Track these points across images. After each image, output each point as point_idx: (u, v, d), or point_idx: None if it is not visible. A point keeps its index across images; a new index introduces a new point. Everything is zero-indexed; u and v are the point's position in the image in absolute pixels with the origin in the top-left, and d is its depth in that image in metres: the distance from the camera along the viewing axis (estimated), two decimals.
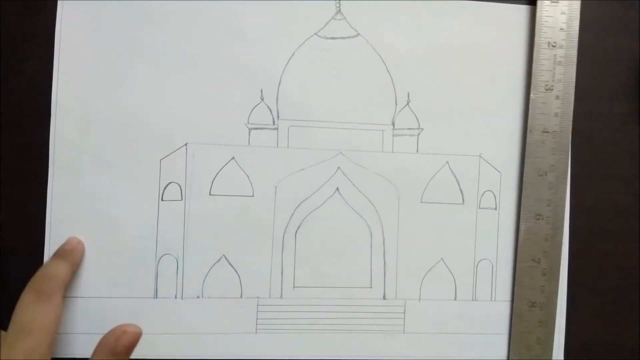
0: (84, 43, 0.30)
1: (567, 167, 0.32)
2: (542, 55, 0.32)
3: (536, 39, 0.32)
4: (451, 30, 0.32)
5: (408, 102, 0.32)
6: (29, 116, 0.30)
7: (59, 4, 0.30)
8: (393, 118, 0.32)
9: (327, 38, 0.32)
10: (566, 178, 0.32)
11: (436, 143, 0.32)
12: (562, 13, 0.32)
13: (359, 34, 0.32)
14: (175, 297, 0.30)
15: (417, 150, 0.32)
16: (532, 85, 0.32)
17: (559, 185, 0.32)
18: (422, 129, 0.32)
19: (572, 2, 0.32)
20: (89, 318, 0.30)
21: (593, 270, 0.33)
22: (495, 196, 0.32)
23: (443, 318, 0.32)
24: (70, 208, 0.30)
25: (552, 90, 0.32)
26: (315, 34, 0.31)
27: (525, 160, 0.32)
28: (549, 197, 0.32)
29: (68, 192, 0.30)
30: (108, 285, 0.30)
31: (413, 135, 0.32)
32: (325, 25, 0.31)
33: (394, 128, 0.32)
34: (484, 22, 0.32)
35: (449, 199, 0.32)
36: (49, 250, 0.30)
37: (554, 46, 0.32)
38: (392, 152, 0.32)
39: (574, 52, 0.32)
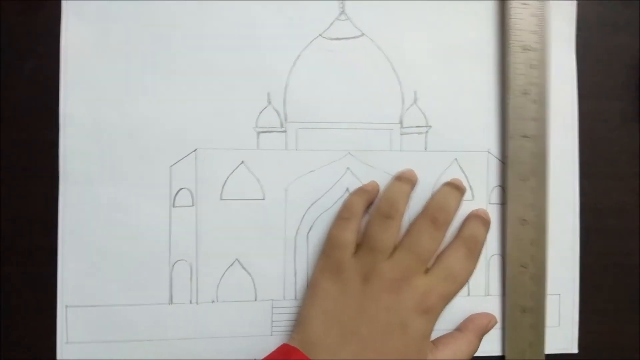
0: (91, 51, 0.30)
1: (546, 171, 0.32)
2: (516, 58, 0.31)
3: (508, 42, 0.31)
4: (456, 27, 0.32)
5: (415, 100, 0.32)
6: (35, 115, 0.30)
7: (63, 4, 0.30)
8: (401, 117, 0.32)
9: (331, 39, 0.32)
10: (546, 181, 0.32)
11: (444, 140, 0.32)
12: (533, 15, 0.31)
13: (363, 34, 0.32)
14: (190, 302, 0.30)
15: (425, 148, 0.32)
16: (508, 90, 0.31)
17: (540, 189, 0.31)
18: (430, 127, 0.32)
19: (543, 3, 0.31)
20: (105, 326, 0.30)
21: (593, 268, 0.33)
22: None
23: (456, 314, 0.32)
24: (82, 216, 0.30)
25: (528, 94, 0.31)
26: (320, 35, 0.31)
27: (508, 166, 0.32)
28: (532, 202, 0.31)
29: (79, 200, 0.30)
30: (123, 293, 0.30)
31: (421, 133, 0.32)
32: (329, 26, 0.32)
33: (401, 127, 0.32)
34: (489, 18, 0.32)
35: None
36: (63, 259, 0.30)
37: (528, 49, 0.31)
38: (401, 150, 0.32)
39: (547, 55, 0.31)
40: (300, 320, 0.29)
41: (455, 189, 0.31)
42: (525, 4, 0.31)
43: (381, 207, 0.30)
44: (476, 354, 0.31)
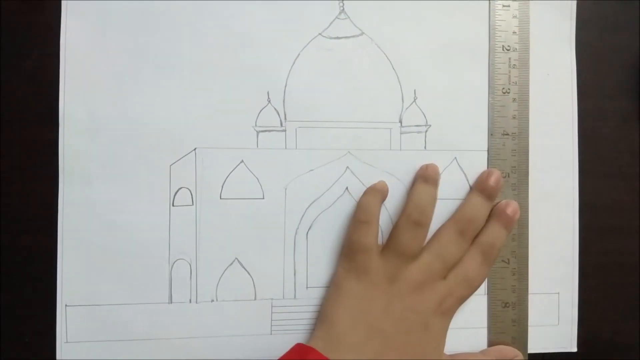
0: (90, 50, 0.30)
1: (528, 167, 0.32)
2: (498, 59, 0.32)
3: (490, 43, 0.32)
4: (456, 27, 0.32)
5: (415, 99, 0.32)
6: (35, 114, 0.30)
7: (63, 4, 0.30)
8: (400, 115, 0.32)
9: (331, 38, 0.32)
10: (527, 178, 0.32)
11: (444, 139, 0.32)
12: (514, 17, 0.32)
13: (363, 33, 0.32)
14: (190, 302, 0.30)
15: (424, 147, 0.32)
16: (489, 89, 0.32)
17: (521, 186, 0.32)
18: (430, 126, 0.32)
19: (523, 5, 0.32)
20: (105, 325, 0.30)
21: (592, 267, 0.33)
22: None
23: (458, 313, 0.32)
24: (81, 215, 0.30)
25: (508, 93, 0.32)
26: (320, 34, 0.31)
27: (488, 163, 0.32)
28: (512, 198, 0.32)
29: (79, 199, 0.30)
30: (123, 292, 0.30)
31: (420, 132, 0.32)
32: (329, 25, 0.32)
33: (401, 125, 0.32)
34: (488, 18, 0.32)
35: (458, 195, 0.32)
36: (62, 259, 0.30)
37: (508, 49, 0.32)
38: (400, 149, 0.32)
39: (527, 55, 0.32)
40: (323, 319, 0.30)
41: (487, 199, 0.31)
42: (506, 6, 0.32)
43: (411, 214, 0.30)
44: (461, 351, 0.32)
